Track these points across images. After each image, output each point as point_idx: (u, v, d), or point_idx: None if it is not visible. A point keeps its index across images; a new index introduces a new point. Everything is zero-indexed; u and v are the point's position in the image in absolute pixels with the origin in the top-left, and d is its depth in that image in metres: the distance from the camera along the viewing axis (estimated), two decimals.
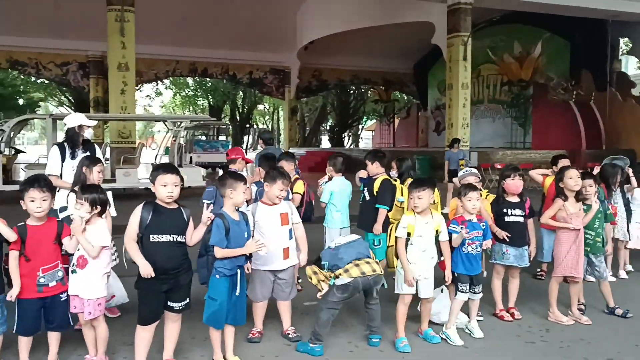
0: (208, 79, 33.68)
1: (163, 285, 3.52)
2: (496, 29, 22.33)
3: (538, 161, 15.80)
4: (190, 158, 20.06)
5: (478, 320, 4.65)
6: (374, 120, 40.98)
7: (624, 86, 20.16)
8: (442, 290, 4.69)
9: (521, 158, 16.81)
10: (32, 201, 3.50)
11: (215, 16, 23.10)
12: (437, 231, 4.28)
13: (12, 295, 3.48)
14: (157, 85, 36.24)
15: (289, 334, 4.30)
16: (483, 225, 4.41)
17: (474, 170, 5.12)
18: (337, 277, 4.02)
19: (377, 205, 5.45)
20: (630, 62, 26.18)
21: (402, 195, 5.71)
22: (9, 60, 25.42)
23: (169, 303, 3.60)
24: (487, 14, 19.87)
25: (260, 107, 45.36)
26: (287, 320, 4.34)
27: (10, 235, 3.44)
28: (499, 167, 14.97)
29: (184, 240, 3.60)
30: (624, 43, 22.86)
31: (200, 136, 23.53)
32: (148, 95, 39.16)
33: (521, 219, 4.84)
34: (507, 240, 4.74)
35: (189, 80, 36.28)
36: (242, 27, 23.94)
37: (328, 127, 40.30)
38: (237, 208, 3.87)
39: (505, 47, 22.11)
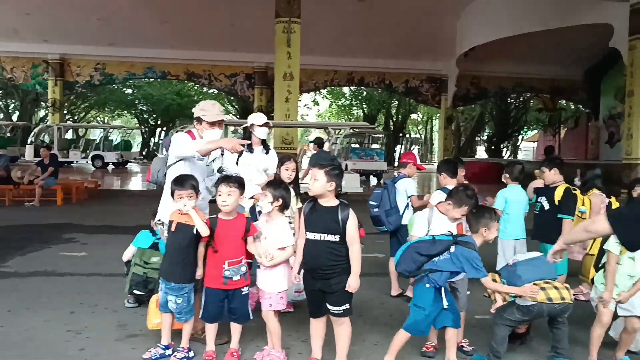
0: (363, 88, 34.17)
1: (316, 283, 3.51)
2: None
3: None
4: (346, 165, 20.43)
5: None
6: (536, 131, 38.59)
7: None
8: None
9: None
10: (219, 195, 3.70)
11: (374, 26, 23.35)
12: None
13: (199, 274, 3.72)
14: (315, 95, 37.64)
15: (463, 346, 4.08)
16: None
17: None
18: (520, 296, 3.73)
19: (559, 215, 5.00)
20: None
21: (583, 205, 5.27)
22: (186, 72, 28.08)
23: (327, 305, 3.55)
24: None
25: (414, 116, 45.04)
26: (461, 331, 4.11)
27: (204, 230, 3.64)
28: None
29: (337, 240, 3.44)
30: None
31: (355, 144, 23.88)
32: (306, 105, 40.77)
33: None
34: None
35: (345, 89, 37.12)
36: (400, 36, 23.94)
37: (485, 137, 38.74)
38: None
39: None
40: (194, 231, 3.63)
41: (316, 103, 40.70)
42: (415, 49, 25.48)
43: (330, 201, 3.52)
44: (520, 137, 40.81)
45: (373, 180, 22.19)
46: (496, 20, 21.55)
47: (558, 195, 5.13)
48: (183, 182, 3.69)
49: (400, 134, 38.89)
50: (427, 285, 3.58)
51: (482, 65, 26.82)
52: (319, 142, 12.78)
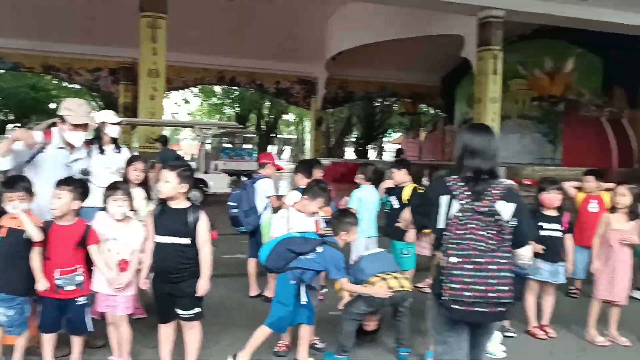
0: (235, 88, 33.88)
1: (165, 287, 3.43)
2: (527, 44, 22.04)
3: (567, 178, 15.41)
4: (216, 165, 20.13)
5: (511, 337, 4.49)
6: (400, 134, 40.73)
7: None
8: None
9: (550, 175, 16.42)
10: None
11: (244, 26, 23.27)
12: None
13: (37, 288, 3.43)
14: (185, 93, 36.63)
15: (315, 343, 4.20)
16: None
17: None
18: None
19: None
20: None
21: None
22: (43, 65, 25.95)
23: (177, 310, 3.47)
24: (518, 29, 19.64)
25: (286, 117, 45.51)
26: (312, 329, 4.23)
27: (34, 234, 3.37)
28: (527, 183, 14.67)
29: (187, 243, 3.38)
30: None
31: (226, 144, 23.60)
32: (176, 103, 39.58)
33: (558, 234, 4.67)
34: (542, 254, 4.58)
35: (217, 88, 36.55)
36: (271, 37, 24.06)
37: (353, 139, 40.17)
38: None
39: (536, 62, 21.81)
40: (24, 236, 3.36)
41: (186, 101, 39.64)
42: (286, 51, 25.72)
43: (181, 203, 3.45)
44: (385, 139, 42.86)
45: (244, 179, 22.08)
46: (360, 27, 22.50)
47: (406, 194, 5.46)
48: (13, 183, 3.41)
49: (272, 135, 39.08)
50: (292, 282, 3.64)
51: (350, 70, 27.77)
52: (163, 140, 12.50)
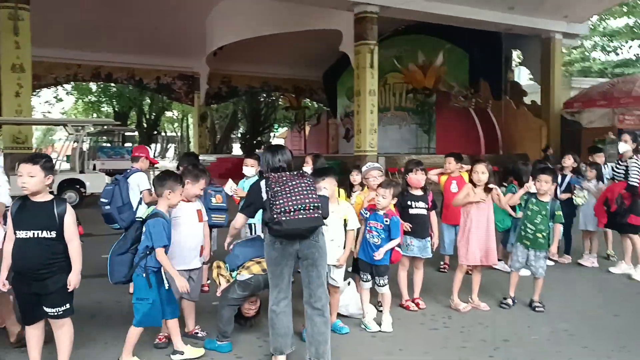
0: (112, 85, 32.34)
1: (30, 287, 3.28)
2: (402, 39, 23.20)
3: (442, 165, 16.48)
4: (94, 165, 19.18)
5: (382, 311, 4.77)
6: (286, 128, 41.10)
7: (517, 95, 21.55)
8: (349, 283, 4.77)
9: (426, 162, 17.00)
10: None
11: (118, 21, 22.25)
12: (345, 220, 4.35)
13: None
14: (57, 90, 34.38)
15: (197, 332, 4.20)
16: (387, 221, 4.49)
17: (377, 165, 5.24)
18: (239, 273, 3.99)
19: None
20: (522, 73, 28.00)
21: None
22: None
23: (44, 308, 3.34)
24: (393, 24, 20.58)
25: (169, 113, 44.23)
26: (193, 319, 4.24)
27: None
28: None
29: (53, 236, 3.27)
30: (516, 55, 24.45)
31: (104, 143, 22.52)
32: (47, 101, 37.05)
33: (424, 212, 5.03)
34: (411, 231, 4.91)
35: (93, 85, 34.68)
36: (148, 32, 23.25)
37: (239, 135, 39.92)
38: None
39: (410, 57, 22.95)
40: None
41: (59, 99, 37.22)
42: (164, 46, 24.94)
43: (44, 196, 3.32)
44: (272, 134, 43.06)
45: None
46: (240, 21, 22.42)
47: None
48: None
49: (155, 132, 37.78)
50: (144, 275, 3.59)
51: (232, 65, 27.58)
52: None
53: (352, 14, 17.34)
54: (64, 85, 29.88)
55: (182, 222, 4.06)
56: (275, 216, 3.36)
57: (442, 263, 6.63)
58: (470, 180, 5.05)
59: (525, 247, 5.08)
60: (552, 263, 6.97)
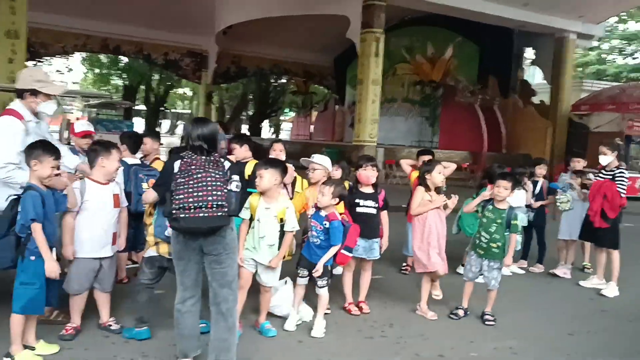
0: (121, 57, 32.15)
1: None
2: (414, 30, 22.67)
3: (441, 160, 16.10)
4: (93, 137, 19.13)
5: (325, 313, 4.50)
6: (294, 113, 40.77)
7: (525, 94, 21.03)
8: (285, 282, 4.51)
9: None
10: None
11: None
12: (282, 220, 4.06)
13: None
14: (68, 59, 34.26)
15: (110, 325, 3.97)
16: (326, 224, 4.18)
17: (321, 157, 4.89)
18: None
19: (249, 189, 5.19)
20: (537, 73, 27.37)
21: None
22: None
23: None
24: (402, 13, 20.07)
25: (181, 90, 44.00)
26: (106, 311, 3.99)
27: None
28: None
29: None
30: (529, 54, 23.83)
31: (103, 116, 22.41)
32: (58, 71, 36.95)
33: (373, 211, 4.73)
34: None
35: (103, 57, 34.51)
36: (158, 5, 22.91)
37: (248, 116, 39.63)
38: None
39: (420, 48, 22.49)
40: None
41: (70, 69, 37.10)
42: (175, 21, 24.60)
43: None
44: (281, 118, 42.76)
45: None
46: (250, 1, 22.01)
47: (248, 170, 5.30)
48: None
49: (162, 109, 37.54)
50: (32, 258, 3.35)
51: (243, 45, 27.18)
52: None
53: (360, 0, 16.92)
54: (72, 54, 29.66)
55: (90, 207, 3.79)
56: (173, 212, 3.08)
57: (404, 264, 6.34)
58: (421, 182, 4.74)
59: (478, 257, 4.77)
60: (522, 272, 6.68)
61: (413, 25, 22.55)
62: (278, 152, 5.87)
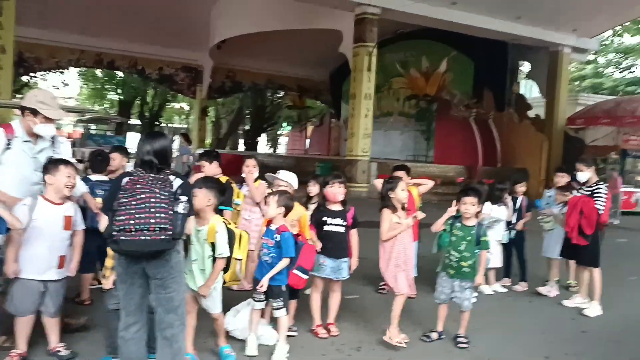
0: (116, 72, 32.17)
1: None
2: (408, 44, 22.65)
3: (436, 175, 15.95)
4: (83, 153, 19.01)
5: (291, 336, 4.31)
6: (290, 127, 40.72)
7: (521, 108, 20.91)
8: (248, 304, 4.31)
9: (420, 171, 16.91)
10: None
11: (123, 7, 21.99)
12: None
13: None
14: (63, 74, 34.30)
15: (59, 350, 3.76)
16: (277, 237, 4.01)
17: (286, 173, 4.71)
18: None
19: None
20: (534, 87, 27.29)
21: (238, 198, 5.50)
22: None
23: None
24: (396, 27, 20.04)
25: (177, 105, 43.97)
26: (55, 337, 3.77)
27: None
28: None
29: None
30: (523, 67, 23.78)
31: (95, 131, 22.27)
32: (54, 86, 37.02)
33: (341, 229, 4.53)
34: (324, 250, 4.44)
35: (98, 72, 34.55)
36: (152, 20, 22.96)
37: (245, 130, 39.54)
38: None
39: (415, 62, 22.44)
40: None
41: (66, 84, 37.16)
42: (168, 36, 24.64)
43: None
44: (278, 132, 42.64)
45: None
46: (244, 15, 22.01)
47: None
48: None
49: (157, 123, 37.41)
50: None
51: (237, 59, 27.18)
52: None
53: (353, 14, 16.86)
54: (67, 69, 29.66)
55: (37, 226, 3.59)
56: (113, 234, 2.92)
57: (381, 283, 6.12)
58: (386, 204, 4.53)
59: (449, 277, 4.57)
60: (505, 290, 6.48)
61: (407, 39, 22.51)
62: (251, 169, 5.74)
